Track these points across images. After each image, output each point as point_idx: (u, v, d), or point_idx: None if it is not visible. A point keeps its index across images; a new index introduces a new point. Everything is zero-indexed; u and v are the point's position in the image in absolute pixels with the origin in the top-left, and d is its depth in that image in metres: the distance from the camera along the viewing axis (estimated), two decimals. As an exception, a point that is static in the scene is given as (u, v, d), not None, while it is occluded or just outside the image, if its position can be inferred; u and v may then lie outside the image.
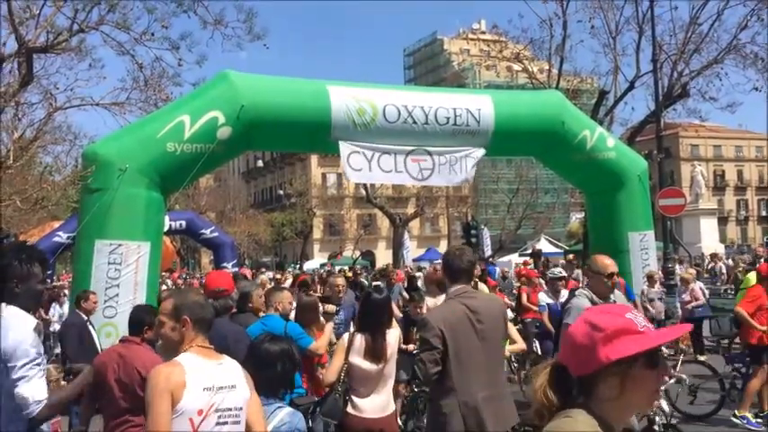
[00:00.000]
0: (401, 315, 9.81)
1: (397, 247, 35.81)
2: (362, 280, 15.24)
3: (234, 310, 5.96)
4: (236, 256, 26.35)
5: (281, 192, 55.94)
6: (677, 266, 16.54)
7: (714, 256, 28.70)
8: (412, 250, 39.90)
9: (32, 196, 10.37)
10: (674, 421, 6.74)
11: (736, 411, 8.26)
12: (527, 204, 41.12)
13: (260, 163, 65.35)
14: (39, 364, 3.26)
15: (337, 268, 27.50)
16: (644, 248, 12.45)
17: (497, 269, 22.63)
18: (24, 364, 3.19)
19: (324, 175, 59.16)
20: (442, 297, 9.04)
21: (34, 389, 3.20)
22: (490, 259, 28.40)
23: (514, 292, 15.30)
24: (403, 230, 36.40)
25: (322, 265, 34.31)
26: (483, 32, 45.98)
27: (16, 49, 10.98)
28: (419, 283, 14.59)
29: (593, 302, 4.78)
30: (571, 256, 21.94)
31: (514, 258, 33.10)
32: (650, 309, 12.32)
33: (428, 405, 4.60)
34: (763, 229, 74.21)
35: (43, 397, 3.21)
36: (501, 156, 20.23)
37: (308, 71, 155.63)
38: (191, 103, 9.84)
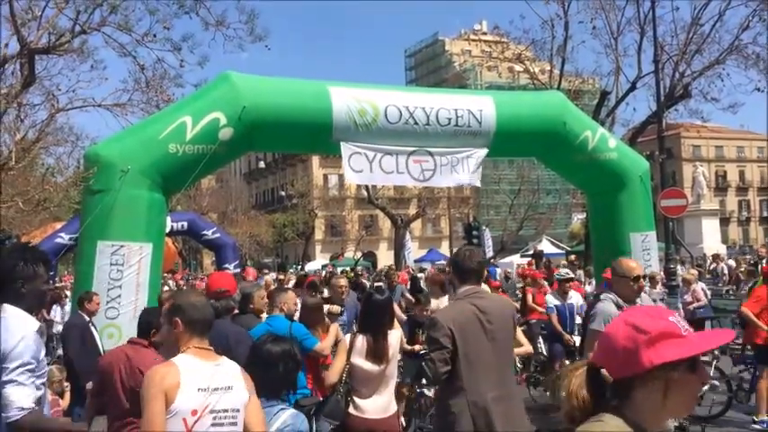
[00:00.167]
0: (405, 317, 9.81)
1: (398, 247, 35.84)
2: (363, 281, 15.25)
3: (236, 311, 5.97)
4: (238, 257, 26.34)
5: (283, 193, 55.94)
6: (679, 267, 16.53)
7: (716, 257, 28.67)
8: (413, 251, 39.91)
9: (34, 197, 10.38)
10: (684, 423, 6.74)
11: (754, 418, 8.21)
12: (529, 205, 41.17)
13: (261, 164, 65.36)
14: (32, 371, 3.22)
15: (339, 269, 27.50)
16: (646, 249, 12.44)
17: (498, 270, 22.64)
18: (16, 367, 3.16)
19: (325, 176, 59.17)
20: (445, 299, 9.07)
21: (21, 395, 3.16)
22: (492, 260, 28.40)
23: (517, 293, 15.30)
24: (404, 231, 36.42)
25: (323, 266, 34.31)
26: (484, 33, 45.94)
27: (18, 50, 11.00)
28: (422, 284, 14.58)
29: (619, 307, 4.69)
30: (573, 257, 21.95)
31: (516, 259, 33.10)
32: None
33: (436, 405, 4.59)
34: (765, 229, 74.15)
35: (28, 406, 3.17)
36: (502, 157, 20.20)
37: (309, 72, 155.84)
38: (192, 105, 9.85)
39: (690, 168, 51.40)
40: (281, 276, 20.55)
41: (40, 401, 3.30)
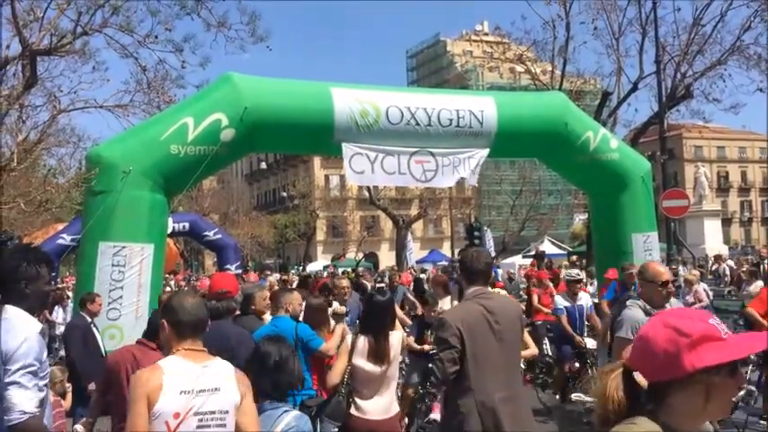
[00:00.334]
0: (413, 317, 9.79)
1: (400, 248, 35.85)
2: (365, 282, 15.23)
3: (237, 312, 5.96)
4: (240, 257, 26.35)
5: (285, 194, 55.97)
6: (681, 268, 16.53)
7: (718, 258, 28.61)
8: (415, 252, 39.90)
9: (36, 198, 10.39)
10: None
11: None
12: (530, 206, 41.16)
13: (263, 165, 65.36)
14: (35, 374, 3.21)
15: (340, 270, 27.49)
16: (647, 250, 12.43)
17: (500, 271, 22.62)
18: (18, 369, 3.15)
19: (327, 177, 59.17)
20: (447, 299, 9.07)
21: (24, 398, 3.15)
22: (493, 261, 28.35)
23: (521, 293, 15.26)
24: (406, 232, 36.43)
25: (325, 267, 34.31)
26: (486, 34, 46.01)
27: (20, 51, 11.02)
28: (425, 285, 14.56)
29: (647, 313, 4.56)
30: (574, 257, 21.94)
31: (518, 260, 33.09)
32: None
33: (443, 405, 4.60)
34: (767, 230, 74.06)
35: (31, 410, 3.16)
36: (504, 157, 20.25)
37: (311, 73, 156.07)
38: (194, 106, 9.87)
39: (691, 169, 51.36)
40: (286, 277, 20.54)
41: (42, 403, 3.29)
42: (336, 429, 5.27)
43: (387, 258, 51.84)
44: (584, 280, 16.00)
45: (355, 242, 49.39)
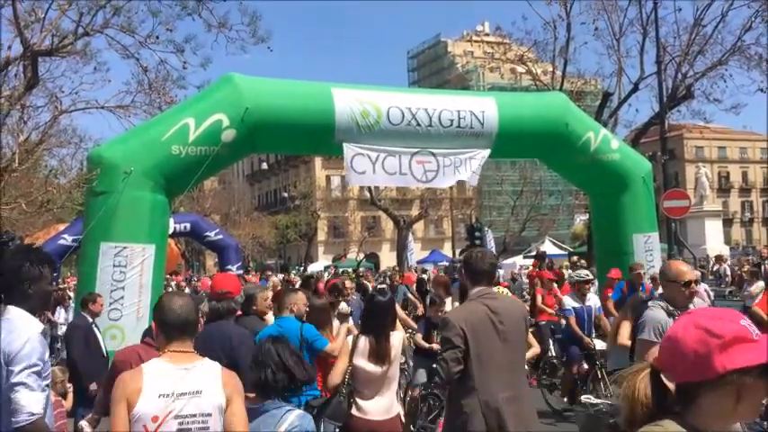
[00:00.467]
0: (415, 317, 9.78)
1: (401, 249, 35.87)
2: (365, 282, 15.24)
3: (239, 312, 5.96)
4: (241, 258, 26.38)
5: (286, 194, 56.02)
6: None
7: (719, 258, 28.64)
8: (416, 252, 39.92)
9: (38, 199, 10.40)
10: None
11: None
12: (531, 206, 41.17)
13: (264, 165, 65.42)
14: (39, 374, 3.22)
15: (341, 270, 27.50)
16: (648, 250, 12.44)
17: (501, 272, 22.61)
18: (23, 369, 3.16)
19: (328, 178, 59.19)
20: (448, 300, 9.07)
21: (31, 400, 3.16)
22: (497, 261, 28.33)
23: (524, 294, 15.26)
24: (407, 232, 36.46)
25: (326, 268, 34.34)
26: (487, 34, 46.04)
27: (21, 52, 11.03)
28: (429, 285, 14.57)
29: (669, 314, 4.40)
30: (575, 258, 21.92)
31: (519, 260, 33.10)
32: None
33: (447, 405, 4.60)
34: (768, 230, 74.04)
35: (38, 411, 3.17)
36: (505, 158, 20.23)
37: (312, 73, 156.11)
38: (195, 106, 9.87)
39: (692, 169, 51.37)
40: (289, 278, 20.57)
41: (45, 404, 3.31)
42: (337, 430, 5.27)
43: (388, 259, 51.86)
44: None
45: (356, 243, 49.38)
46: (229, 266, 22.52)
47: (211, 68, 34.66)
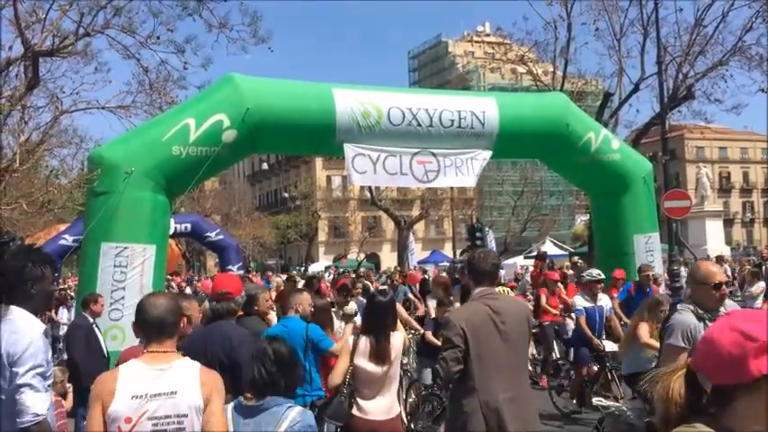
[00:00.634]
0: (416, 317, 9.78)
1: (401, 249, 35.88)
2: (366, 282, 15.22)
3: (241, 313, 5.95)
4: (242, 258, 26.36)
5: (286, 194, 56.03)
6: (682, 269, 16.49)
7: (720, 259, 28.58)
8: (417, 252, 39.91)
9: (38, 199, 10.40)
10: None
11: None
12: (532, 206, 41.15)
13: (265, 166, 65.46)
14: (43, 375, 3.24)
15: (341, 271, 27.47)
16: (649, 251, 12.43)
17: (502, 272, 22.59)
18: (28, 370, 3.18)
19: (328, 178, 59.22)
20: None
21: (37, 401, 3.18)
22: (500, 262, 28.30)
23: (527, 294, 15.24)
24: (408, 233, 36.46)
25: (326, 268, 34.34)
26: (487, 35, 46.08)
27: (22, 52, 11.02)
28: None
29: (699, 318, 4.25)
30: (576, 258, 21.91)
31: (519, 260, 33.08)
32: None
33: (449, 405, 4.61)
34: (769, 230, 73.99)
35: (43, 412, 3.19)
36: (505, 158, 20.23)
37: (312, 73, 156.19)
38: (196, 107, 9.88)
39: (693, 170, 51.40)
40: (294, 278, 20.54)
41: (49, 404, 3.32)
42: (338, 430, 5.27)
43: (388, 259, 51.86)
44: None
45: (357, 243, 49.40)
46: (230, 267, 22.53)
47: (212, 69, 34.63)
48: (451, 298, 9.02)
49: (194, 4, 12.90)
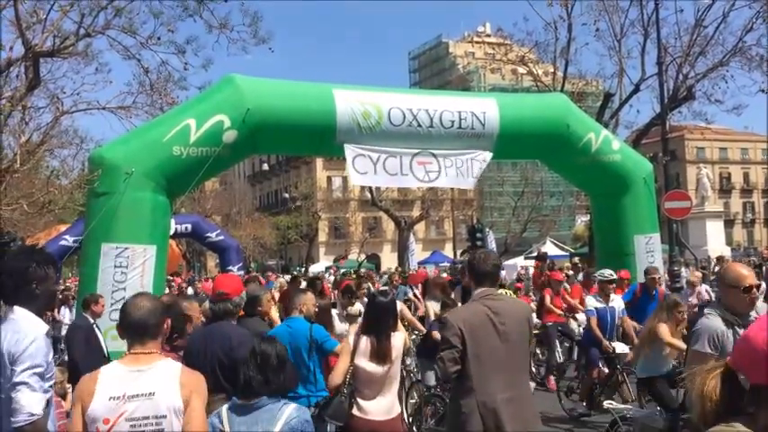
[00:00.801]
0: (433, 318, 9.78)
1: (402, 249, 35.89)
2: (368, 284, 15.24)
3: (242, 313, 5.95)
4: (242, 259, 26.40)
5: (287, 195, 56.05)
6: (683, 269, 16.50)
7: (720, 259, 28.54)
8: (417, 253, 39.92)
9: (39, 200, 10.41)
10: None
11: None
12: (532, 207, 41.16)
13: (265, 166, 65.49)
14: (41, 375, 3.24)
15: (341, 271, 27.47)
16: (650, 251, 12.43)
17: (503, 273, 22.59)
18: (26, 369, 3.18)
19: (329, 179, 59.25)
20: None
21: (33, 400, 3.17)
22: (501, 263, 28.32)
23: (531, 296, 15.23)
24: (408, 233, 36.48)
25: (327, 269, 34.35)
26: (488, 35, 46.09)
27: (23, 53, 11.02)
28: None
29: (727, 322, 4.12)
30: (576, 259, 21.91)
31: (520, 261, 33.09)
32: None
33: (449, 405, 4.61)
34: (770, 231, 73.95)
35: (38, 412, 3.18)
36: (506, 158, 20.22)
37: (312, 74, 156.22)
38: (196, 107, 9.88)
39: (694, 170, 51.39)
40: (297, 278, 20.54)
41: (47, 404, 3.31)
42: (338, 430, 5.27)
43: (389, 260, 51.85)
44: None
45: (357, 243, 49.40)
46: (230, 267, 22.56)
47: (213, 69, 34.72)
48: (452, 297, 9.03)
49: (195, 4, 12.89)
